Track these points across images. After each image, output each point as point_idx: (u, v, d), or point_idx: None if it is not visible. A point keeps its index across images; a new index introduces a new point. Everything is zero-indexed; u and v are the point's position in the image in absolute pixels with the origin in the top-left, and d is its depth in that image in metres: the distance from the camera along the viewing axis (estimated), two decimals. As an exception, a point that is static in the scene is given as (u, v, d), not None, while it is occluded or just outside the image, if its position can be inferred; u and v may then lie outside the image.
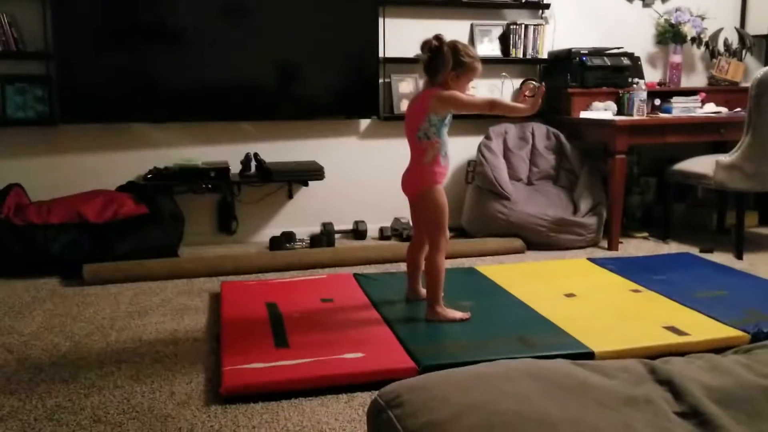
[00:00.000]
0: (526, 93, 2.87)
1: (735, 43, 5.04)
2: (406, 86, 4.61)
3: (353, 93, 4.49)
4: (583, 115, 4.49)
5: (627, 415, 1.22)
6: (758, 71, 3.87)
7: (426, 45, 2.80)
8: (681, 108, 4.63)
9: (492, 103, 2.83)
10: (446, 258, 2.93)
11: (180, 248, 4.06)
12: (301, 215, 4.55)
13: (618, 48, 4.72)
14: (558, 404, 1.24)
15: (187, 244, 4.20)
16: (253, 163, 4.33)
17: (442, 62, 2.75)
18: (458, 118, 4.68)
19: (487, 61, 4.69)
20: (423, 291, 3.06)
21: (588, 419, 1.20)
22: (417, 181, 2.86)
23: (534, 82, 2.78)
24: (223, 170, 4.18)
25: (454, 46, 2.78)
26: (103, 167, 4.23)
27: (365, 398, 2.27)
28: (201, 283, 3.56)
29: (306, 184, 4.48)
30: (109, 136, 4.24)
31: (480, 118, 4.73)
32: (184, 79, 4.19)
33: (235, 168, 4.31)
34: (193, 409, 2.20)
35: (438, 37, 2.79)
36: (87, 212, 3.80)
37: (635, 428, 1.17)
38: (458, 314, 2.87)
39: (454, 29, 4.69)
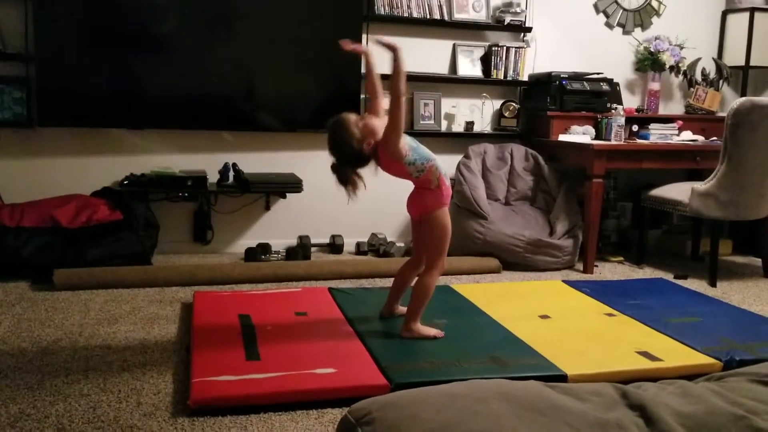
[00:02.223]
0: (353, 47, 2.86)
1: (712, 72, 5.13)
2: (387, 102, 4.60)
3: (334, 107, 4.43)
4: (562, 138, 4.53)
5: (598, 439, 1.22)
6: (735, 101, 3.94)
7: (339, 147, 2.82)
8: (658, 135, 4.69)
9: (396, 98, 2.79)
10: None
11: (153, 256, 4.01)
12: (277, 227, 4.53)
13: (598, 73, 4.78)
14: (529, 426, 1.24)
15: (161, 252, 4.15)
16: (231, 173, 4.30)
17: (350, 149, 2.77)
18: (438, 136, 4.73)
19: (468, 81, 4.75)
20: (400, 309, 3.05)
21: (559, 442, 1.19)
22: (426, 203, 2.84)
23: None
24: (200, 179, 4.14)
25: (339, 132, 2.81)
26: (79, 172, 4.18)
27: (336, 414, 2.25)
28: (173, 293, 3.52)
29: (284, 196, 4.46)
30: (86, 140, 4.19)
31: (460, 137, 4.76)
32: (164, 86, 4.16)
33: (213, 177, 4.27)
34: (160, 421, 2.16)
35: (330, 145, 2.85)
36: (60, 217, 3.74)
37: (606, 453, 1.17)
38: (432, 331, 2.87)
39: (436, 48, 4.72)
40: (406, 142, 2.78)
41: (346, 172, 2.78)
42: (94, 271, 3.59)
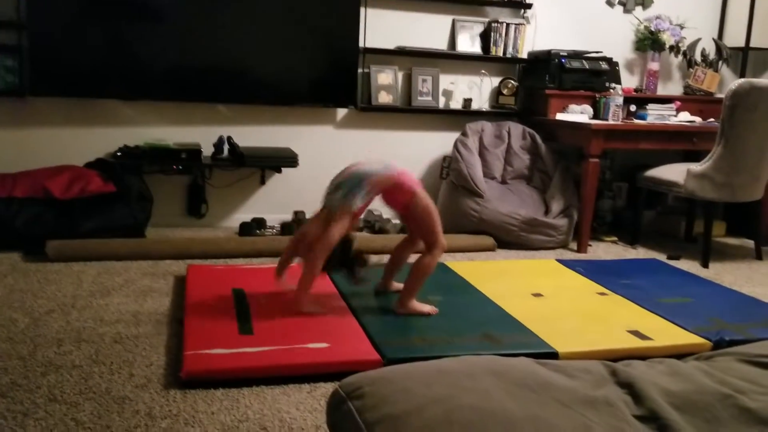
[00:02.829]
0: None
1: (712, 53, 5.10)
2: (385, 77, 4.58)
3: (331, 82, 4.46)
4: (560, 116, 4.51)
5: (586, 415, 1.22)
6: (733, 83, 3.92)
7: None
8: (656, 115, 4.67)
9: (317, 254, 2.75)
10: (417, 252, 2.93)
11: (147, 229, 4.00)
12: (272, 202, 4.52)
13: (597, 52, 4.75)
14: (518, 402, 1.24)
15: (154, 225, 4.14)
16: (226, 147, 4.28)
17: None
18: (435, 113, 4.70)
19: (467, 58, 4.72)
20: (395, 285, 3.05)
21: (547, 418, 1.19)
22: (396, 199, 2.86)
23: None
24: (194, 152, 4.12)
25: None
26: (72, 142, 4.15)
27: (328, 388, 2.26)
28: (167, 266, 3.51)
29: (279, 171, 4.45)
30: (80, 110, 4.16)
31: (457, 114, 4.74)
32: (160, 57, 4.12)
33: (208, 150, 4.25)
34: (152, 392, 2.17)
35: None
36: (53, 187, 3.72)
37: (594, 429, 1.17)
38: (427, 308, 2.88)
39: (435, 24, 4.68)
40: (345, 202, 2.75)
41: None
42: (87, 243, 3.58)
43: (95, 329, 2.64)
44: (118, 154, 4.06)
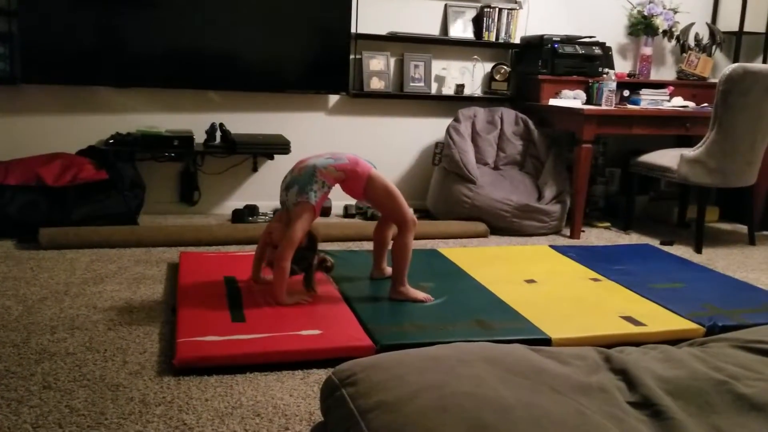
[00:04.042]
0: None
1: (706, 38, 5.09)
2: (377, 63, 4.56)
3: (323, 68, 4.43)
4: (552, 102, 4.50)
5: (580, 402, 1.23)
6: (727, 68, 3.92)
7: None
8: (649, 100, 4.67)
9: (283, 254, 2.74)
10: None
11: (139, 216, 3.99)
12: (265, 189, 4.50)
13: (590, 37, 4.73)
14: (512, 389, 1.24)
15: (147, 212, 4.13)
16: (218, 134, 4.26)
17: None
18: (428, 99, 4.69)
19: (459, 43, 4.70)
20: (388, 269, 3.05)
21: (541, 404, 1.20)
22: (354, 187, 2.88)
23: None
24: (186, 139, 4.10)
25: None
26: (64, 130, 4.13)
27: (321, 375, 2.26)
28: (159, 253, 3.50)
29: (271, 158, 4.43)
30: (71, 98, 4.13)
31: (450, 100, 4.73)
32: (151, 44, 4.09)
33: (200, 137, 4.23)
34: (146, 380, 2.17)
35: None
36: (45, 175, 3.70)
37: (588, 415, 1.18)
38: (421, 295, 2.88)
39: (427, 9, 4.66)
40: (303, 196, 2.77)
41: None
42: (80, 230, 3.56)
43: (89, 316, 2.64)
44: (111, 141, 4.04)
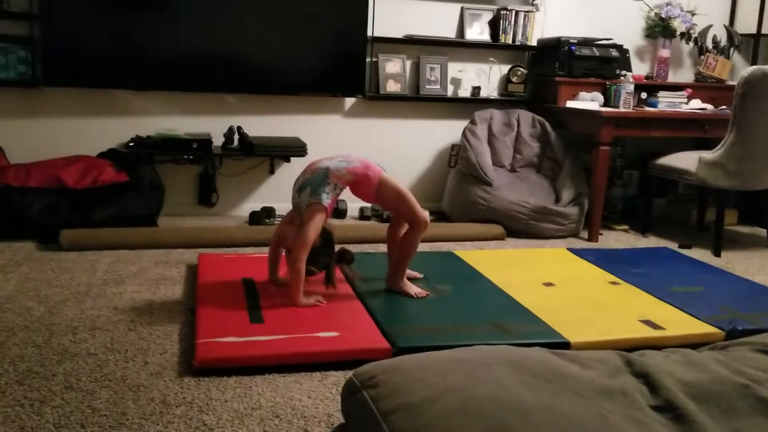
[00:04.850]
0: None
1: (723, 40, 5.06)
2: (393, 66, 4.57)
3: (339, 71, 4.45)
4: (570, 104, 4.49)
5: (602, 405, 1.23)
6: (745, 70, 3.89)
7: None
8: (667, 103, 4.65)
9: (298, 256, 2.75)
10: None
11: (159, 218, 4.02)
12: (281, 191, 4.50)
13: (607, 39, 4.72)
14: (533, 392, 1.24)
15: (166, 214, 4.16)
16: (236, 137, 4.28)
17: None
18: (444, 101, 4.69)
19: (475, 45, 4.70)
20: (409, 272, 3.07)
21: (563, 408, 1.20)
22: (365, 190, 2.91)
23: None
24: (205, 142, 4.13)
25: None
26: (85, 133, 4.17)
27: (339, 377, 2.27)
28: (178, 254, 3.53)
29: (288, 160, 4.45)
30: (92, 101, 4.17)
31: (466, 102, 4.73)
32: (170, 48, 4.13)
33: (218, 140, 4.26)
34: (166, 380, 2.19)
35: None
36: (66, 177, 3.74)
37: (610, 419, 1.18)
38: (414, 289, 2.95)
39: (444, 11, 4.67)
40: (315, 195, 2.79)
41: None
42: (100, 232, 3.60)
43: (109, 317, 2.67)
44: (131, 144, 4.08)
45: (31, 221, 3.61)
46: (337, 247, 2.95)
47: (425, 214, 2.92)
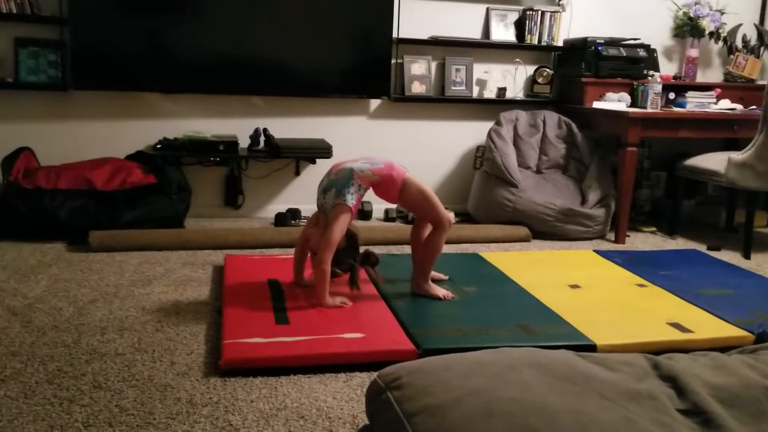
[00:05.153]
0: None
1: (753, 39, 4.99)
2: (419, 68, 4.57)
3: (365, 73, 4.46)
4: (596, 105, 4.46)
5: (629, 409, 1.22)
6: (776, 69, 3.83)
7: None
8: (695, 103, 4.59)
9: (323, 257, 2.76)
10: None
11: (186, 220, 4.06)
12: (307, 192, 4.53)
13: (634, 39, 4.67)
14: (559, 395, 1.23)
15: (193, 215, 4.20)
16: (262, 138, 4.32)
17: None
18: (469, 102, 4.68)
19: (501, 46, 4.69)
20: (434, 274, 3.07)
21: (589, 411, 1.19)
22: (389, 191, 2.91)
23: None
24: (231, 144, 4.16)
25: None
26: (113, 135, 4.23)
27: (364, 378, 2.28)
28: (205, 255, 3.56)
29: (313, 162, 4.47)
30: (120, 104, 4.23)
31: (491, 103, 4.71)
32: (197, 51, 4.17)
33: (244, 142, 4.29)
34: (193, 380, 2.21)
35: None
36: (95, 179, 3.80)
37: (637, 423, 1.17)
38: (441, 291, 2.94)
39: (469, 12, 4.66)
40: (342, 197, 2.79)
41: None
42: (129, 233, 3.64)
43: (137, 318, 2.70)
44: (158, 146, 4.13)
45: (60, 223, 3.67)
46: (361, 249, 2.96)
47: (449, 215, 2.92)
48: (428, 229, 3.00)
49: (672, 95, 4.63)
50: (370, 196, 4.53)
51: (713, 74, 5.16)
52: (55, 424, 1.92)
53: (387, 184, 2.87)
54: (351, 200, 2.78)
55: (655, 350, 1.93)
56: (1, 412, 1.97)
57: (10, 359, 2.29)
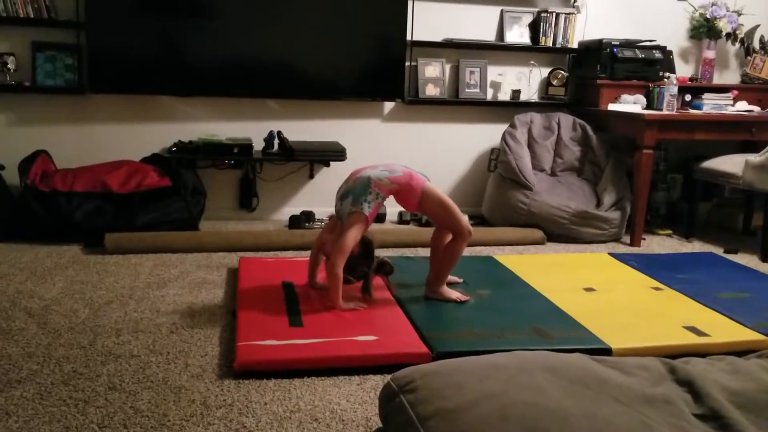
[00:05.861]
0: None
1: (771, 41, 4.94)
2: (433, 70, 4.57)
3: (379, 75, 4.46)
4: (612, 107, 4.43)
5: (645, 413, 1.21)
6: (794, 71, 3.79)
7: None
8: (712, 105, 4.55)
9: (336, 262, 2.75)
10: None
11: (200, 222, 4.08)
12: (321, 195, 4.55)
13: (650, 41, 4.64)
14: (574, 399, 1.23)
15: (207, 218, 4.22)
16: (276, 141, 4.33)
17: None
18: (483, 105, 4.67)
19: (515, 48, 4.67)
20: (450, 278, 3.07)
21: (604, 415, 1.18)
22: (408, 199, 2.89)
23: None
24: (246, 147, 4.18)
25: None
26: (129, 138, 4.25)
27: (377, 381, 2.27)
28: (220, 258, 3.58)
29: (328, 165, 4.47)
30: (136, 107, 4.26)
31: (506, 106, 4.70)
32: (212, 54, 4.18)
33: (258, 145, 4.31)
34: (207, 382, 2.21)
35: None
36: (111, 182, 3.82)
37: (653, 427, 1.16)
38: (455, 294, 2.93)
39: (483, 15, 4.64)
40: (358, 206, 2.79)
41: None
42: (144, 235, 3.66)
43: (152, 320, 2.71)
44: (173, 149, 4.15)
45: (77, 225, 3.69)
46: (376, 257, 2.95)
47: (468, 225, 2.91)
48: (449, 237, 2.99)
49: (688, 97, 4.60)
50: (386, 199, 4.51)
51: (730, 76, 5.12)
52: (70, 425, 1.93)
53: (406, 193, 2.86)
54: (367, 209, 2.78)
55: (672, 354, 1.91)
56: (18, 413, 1.99)
57: (27, 360, 2.31)
